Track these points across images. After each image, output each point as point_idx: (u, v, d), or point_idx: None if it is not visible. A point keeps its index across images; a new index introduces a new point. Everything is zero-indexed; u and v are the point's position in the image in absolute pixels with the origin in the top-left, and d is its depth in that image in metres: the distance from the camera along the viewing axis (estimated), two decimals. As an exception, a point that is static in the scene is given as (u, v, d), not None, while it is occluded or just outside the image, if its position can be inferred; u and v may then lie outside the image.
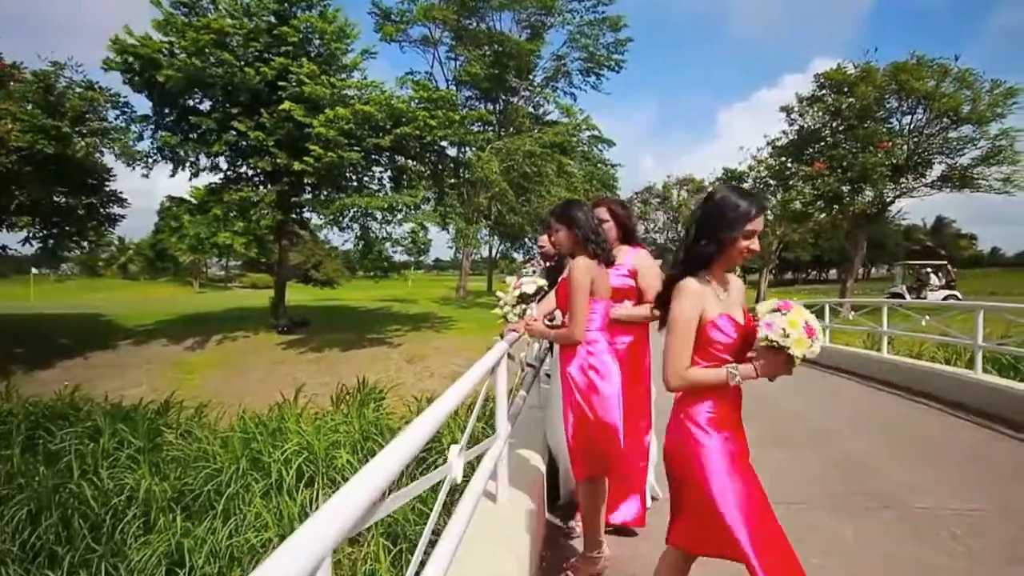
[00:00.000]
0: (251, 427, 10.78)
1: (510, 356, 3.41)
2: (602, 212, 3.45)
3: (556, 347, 3.73)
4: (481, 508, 2.64)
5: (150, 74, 15.69)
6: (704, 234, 2.01)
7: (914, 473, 4.58)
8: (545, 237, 4.98)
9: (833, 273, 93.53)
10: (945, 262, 27.68)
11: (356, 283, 53.68)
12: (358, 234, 17.87)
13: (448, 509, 2.14)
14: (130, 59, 15.99)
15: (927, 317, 8.12)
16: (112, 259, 75.54)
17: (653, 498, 3.76)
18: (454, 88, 28.29)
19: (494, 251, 40.03)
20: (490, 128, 30.92)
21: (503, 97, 31.30)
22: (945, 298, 24.82)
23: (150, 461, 10.17)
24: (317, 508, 1.06)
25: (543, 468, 3.58)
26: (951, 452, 5.18)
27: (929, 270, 26.48)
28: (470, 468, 2.29)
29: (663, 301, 2.08)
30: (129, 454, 10.32)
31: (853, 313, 10.33)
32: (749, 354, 2.02)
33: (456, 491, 2.20)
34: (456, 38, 29.80)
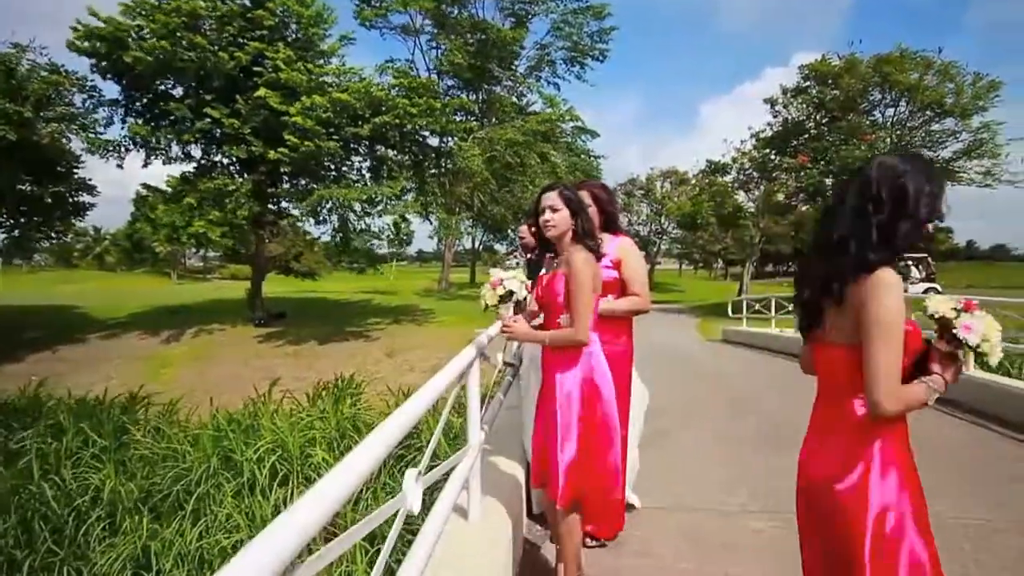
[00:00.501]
0: (223, 424, 10.43)
1: (484, 356, 3.17)
2: (584, 197, 3.11)
3: (530, 347, 3.46)
4: (452, 528, 2.38)
5: (116, 56, 15.09)
6: (903, 213, 1.59)
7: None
8: (525, 228, 4.74)
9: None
10: (925, 255, 27.80)
11: (338, 275, 52.94)
12: (336, 226, 17.44)
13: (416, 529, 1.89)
14: (96, 43, 15.38)
15: (915, 314, 7.95)
16: (88, 249, 74.17)
17: (630, 505, 3.54)
18: (435, 77, 27.83)
19: (477, 242, 39.72)
20: (473, 118, 30.51)
21: (486, 87, 30.85)
22: (925, 291, 24.98)
23: (116, 460, 9.80)
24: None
25: (522, 475, 3.33)
26: (946, 454, 4.97)
27: (909, 263, 26.62)
28: (444, 478, 2.05)
29: (831, 295, 1.63)
30: (94, 453, 9.93)
31: None
32: (933, 365, 1.64)
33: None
34: (438, 26, 29.28)
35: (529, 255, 4.71)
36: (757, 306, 13.75)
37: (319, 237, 19.17)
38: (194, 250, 63.75)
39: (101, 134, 16.92)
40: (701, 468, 4.61)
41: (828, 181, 19.86)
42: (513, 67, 31.13)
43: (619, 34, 31.17)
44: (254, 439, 9.85)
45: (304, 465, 9.47)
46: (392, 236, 19.02)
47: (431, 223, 18.53)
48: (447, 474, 2.14)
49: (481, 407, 2.96)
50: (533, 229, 4.22)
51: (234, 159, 17.39)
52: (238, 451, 9.53)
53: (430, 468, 1.69)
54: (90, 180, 18.73)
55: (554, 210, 2.66)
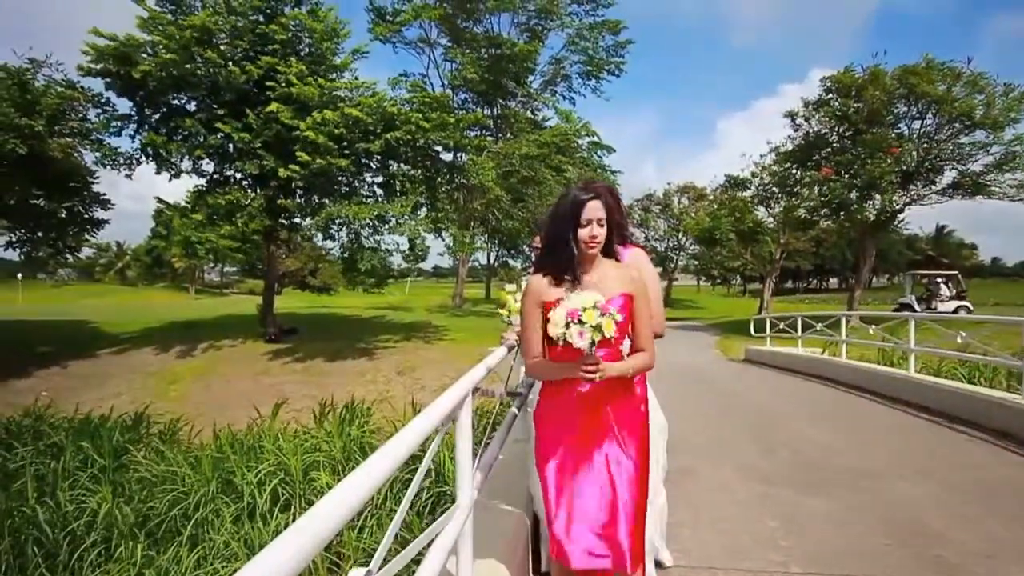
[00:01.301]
0: (225, 445, 10.09)
1: (483, 391, 2.78)
2: (597, 208, 2.68)
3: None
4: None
5: (125, 71, 15.03)
6: None
7: (986, 534, 3.63)
8: (539, 239, 4.34)
9: (834, 282, 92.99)
10: (955, 272, 26.92)
11: (354, 290, 53.08)
12: (344, 243, 17.17)
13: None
14: (108, 62, 15.39)
15: (963, 333, 7.35)
16: (110, 264, 75.19)
17: (658, 564, 3.06)
18: (449, 92, 27.69)
19: (492, 258, 39.41)
20: (487, 133, 30.32)
21: (500, 101, 30.69)
22: (956, 309, 24.10)
23: (115, 482, 9.51)
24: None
25: (526, 529, 2.89)
26: (1010, 496, 4.34)
27: (940, 280, 25.77)
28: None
29: None
30: (92, 474, 9.65)
31: (873, 327, 9.57)
32: None
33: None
34: (452, 40, 29.23)
35: None
36: (782, 325, 13.15)
37: (331, 252, 18.87)
38: (212, 265, 64.73)
39: (115, 148, 16.85)
40: (733, 515, 4.01)
41: (853, 196, 19.28)
42: (528, 82, 30.96)
43: (634, 51, 30.91)
44: (255, 462, 9.51)
45: (307, 490, 9.10)
46: (407, 252, 18.70)
47: (443, 239, 18.17)
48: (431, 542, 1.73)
49: (477, 451, 2.55)
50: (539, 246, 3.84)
51: (246, 174, 17.26)
52: (239, 474, 9.20)
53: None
54: (104, 195, 18.72)
55: (602, 224, 2.23)
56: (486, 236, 29.93)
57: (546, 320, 1.99)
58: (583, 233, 2.17)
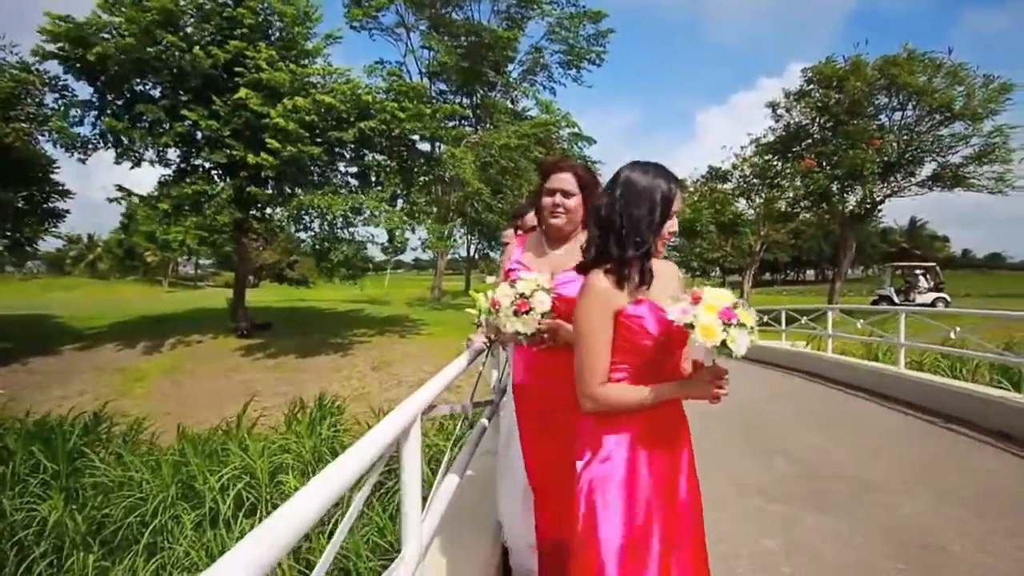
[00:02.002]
0: (188, 447, 9.60)
1: (446, 409, 2.41)
2: (566, 180, 2.25)
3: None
4: None
5: (82, 54, 14.31)
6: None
7: (1011, 557, 3.31)
8: (511, 232, 3.98)
9: (811, 274, 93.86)
10: (934, 264, 27.11)
11: (332, 283, 52.21)
12: (315, 235, 16.59)
13: None
14: (64, 44, 14.64)
15: (957, 328, 7.08)
16: (81, 257, 73.18)
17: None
18: (427, 81, 27.09)
19: (472, 250, 38.92)
20: (466, 123, 29.76)
21: (479, 91, 30.13)
22: (933, 301, 24.25)
23: (68, 488, 9.00)
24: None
25: (495, 563, 2.53)
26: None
27: (918, 272, 25.90)
28: None
29: None
30: (43, 480, 9.11)
31: (861, 321, 9.35)
32: None
33: None
34: (431, 26, 28.57)
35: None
36: (765, 318, 12.91)
37: (302, 244, 18.21)
38: (186, 258, 63.32)
39: (75, 133, 16.02)
40: (728, 533, 3.59)
41: (835, 187, 19.18)
42: (507, 71, 30.43)
43: (615, 43, 30.54)
44: (219, 465, 9.06)
45: (274, 494, 8.69)
46: (387, 244, 18.20)
47: (415, 232, 17.60)
48: None
49: (436, 476, 2.18)
50: (520, 232, 3.45)
51: (215, 164, 16.61)
52: (201, 478, 8.74)
53: None
54: (64, 185, 17.93)
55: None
56: (465, 229, 29.45)
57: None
58: (547, 203, 2.03)
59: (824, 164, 19.17)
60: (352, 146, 15.95)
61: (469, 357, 2.90)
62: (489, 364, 3.60)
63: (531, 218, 3.89)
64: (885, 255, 69.07)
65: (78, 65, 15.28)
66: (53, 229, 18.60)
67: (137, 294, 48.71)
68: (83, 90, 16.35)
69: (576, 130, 32.15)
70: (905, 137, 19.11)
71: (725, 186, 30.06)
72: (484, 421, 3.33)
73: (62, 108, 15.54)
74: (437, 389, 2.00)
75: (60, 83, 15.88)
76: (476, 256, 43.22)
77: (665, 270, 1.73)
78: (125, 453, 9.84)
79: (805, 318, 10.88)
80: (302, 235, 17.30)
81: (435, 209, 20.77)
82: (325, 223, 16.43)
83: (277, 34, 16.61)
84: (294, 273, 61.11)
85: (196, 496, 8.47)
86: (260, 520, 8.43)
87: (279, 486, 8.72)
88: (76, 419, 11.63)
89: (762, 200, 25.92)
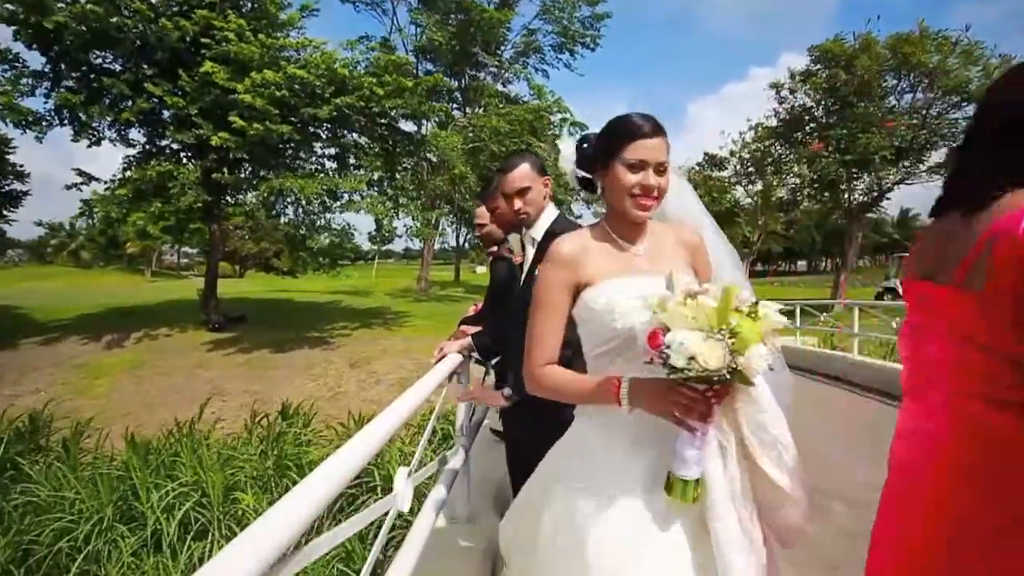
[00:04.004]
0: (133, 457, 8.51)
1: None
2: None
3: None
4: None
5: (36, 21, 13.03)
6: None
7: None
8: (483, 209, 3.08)
9: (802, 264, 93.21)
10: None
11: (319, 273, 50.90)
12: (289, 221, 15.41)
13: None
14: (14, 6, 13.34)
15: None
16: (62, 245, 71.46)
17: None
18: (413, 59, 25.79)
19: (462, 239, 37.84)
20: (455, 106, 28.51)
21: (469, 72, 28.87)
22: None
23: (-8, 507, 7.91)
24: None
25: None
26: None
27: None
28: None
29: None
30: (-36, 498, 8.02)
31: (898, 320, 8.28)
32: None
33: None
34: (419, 2, 27.19)
35: (495, 248, 3.12)
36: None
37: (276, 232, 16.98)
38: (170, 246, 61.73)
39: (28, 108, 14.70)
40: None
41: (842, 172, 18.18)
42: (498, 52, 29.18)
43: (608, 31, 29.28)
44: (165, 480, 8.00)
45: (227, 514, 7.64)
46: (374, 233, 17.10)
47: (399, 218, 16.44)
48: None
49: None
50: (496, 208, 2.71)
51: (182, 144, 15.40)
52: (143, 496, 7.68)
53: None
54: (21, 166, 16.63)
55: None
56: (453, 216, 28.33)
57: None
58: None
59: (832, 149, 18.15)
60: (328, 125, 14.78)
61: (436, 378, 2.04)
62: (456, 392, 2.58)
63: (481, 213, 3.12)
64: (877, 246, 68.52)
65: (31, 31, 14.01)
66: (8, 214, 17.27)
67: (118, 284, 47.19)
68: (35, 60, 15.00)
69: (568, 115, 31.03)
70: (915, 121, 18.11)
71: (722, 173, 29.09)
72: (450, 466, 2.30)
73: (11, 79, 14.22)
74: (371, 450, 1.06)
75: (11, 54, 14.55)
76: (466, 245, 42.16)
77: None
78: (63, 464, 8.75)
79: (825, 314, 9.85)
80: (275, 222, 16.06)
81: (421, 195, 19.61)
82: (300, 209, 15.26)
83: (249, 5, 15.39)
84: (280, 263, 59.73)
85: (139, 516, 7.46)
86: (212, 545, 7.39)
87: (234, 504, 7.69)
88: (11, 423, 10.45)
89: (761, 188, 24.95)
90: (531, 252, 2.29)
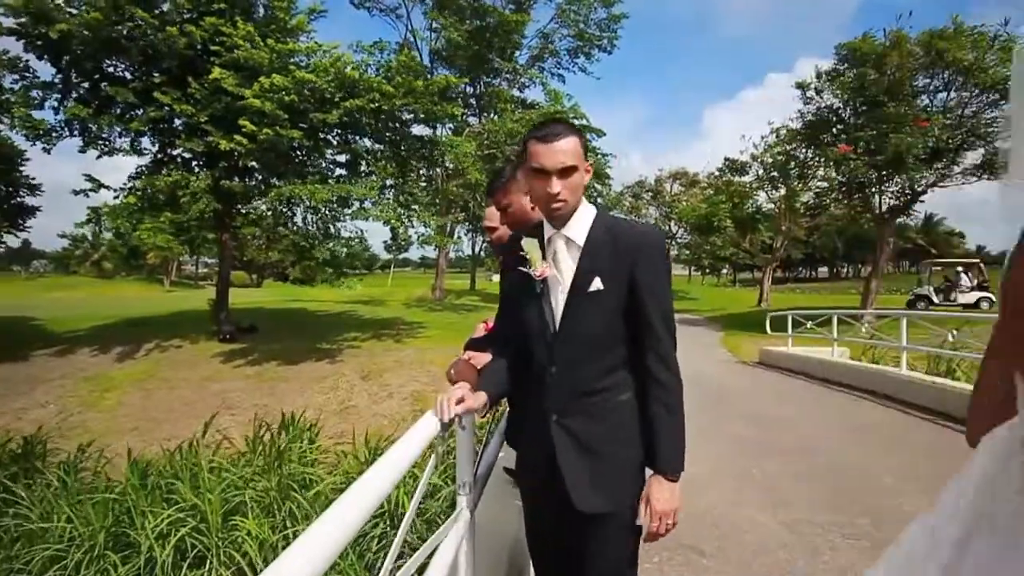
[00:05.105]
0: (130, 479, 8.10)
1: None
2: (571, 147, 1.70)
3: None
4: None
5: (43, 30, 12.86)
6: None
7: None
8: (493, 209, 2.49)
9: (823, 271, 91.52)
10: (977, 261, 25.32)
11: (326, 284, 50.77)
12: (297, 230, 14.99)
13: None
14: (22, 19, 13.19)
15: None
16: (86, 256, 72.44)
17: None
18: (427, 63, 25.48)
19: (477, 247, 37.43)
20: (470, 112, 28.13)
21: (484, 78, 28.51)
22: (978, 301, 22.54)
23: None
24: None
25: None
26: None
27: (960, 269, 24.18)
28: None
29: None
30: (-49, 524, 7.65)
31: (955, 333, 7.53)
32: None
33: None
34: (435, 5, 26.89)
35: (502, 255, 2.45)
36: (810, 324, 11.12)
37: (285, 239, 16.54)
38: (189, 256, 62.14)
39: (38, 119, 14.55)
40: None
41: (873, 175, 17.38)
42: (514, 57, 28.78)
43: (623, 37, 28.76)
44: (162, 504, 7.58)
45: (226, 540, 7.18)
46: (389, 242, 16.69)
47: (412, 227, 15.94)
48: None
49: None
50: (510, 204, 2.29)
51: (194, 153, 15.14)
52: (138, 522, 7.26)
53: None
54: (33, 179, 16.49)
55: (567, 173, 1.64)
56: (468, 223, 27.91)
57: None
58: (546, 191, 1.65)
59: (859, 151, 17.36)
60: (338, 130, 14.40)
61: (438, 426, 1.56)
62: (464, 440, 2.03)
63: (491, 214, 2.50)
64: (901, 252, 67.03)
65: (39, 43, 13.88)
66: (21, 227, 17.14)
67: (136, 294, 47.52)
68: (45, 71, 14.85)
69: (585, 122, 30.54)
70: (949, 121, 17.28)
71: (743, 179, 28.36)
72: (448, 544, 1.77)
73: (21, 92, 14.06)
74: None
75: (21, 63, 14.41)
76: (482, 254, 41.72)
77: None
78: (59, 487, 8.37)
79: (867, 325, 9.13)
80: (282, 230, 15.68)
81: (435, 201, 19.16)
82: (309, 217, 14.87)
83: (261, 12, 15.13)
84: (297, 272, 59.79)
85: (131, 543, 7.04)
86: (209, 572, 6.91)
87: (234, 530, 7.23)
88: (8, 442, 10.12)
89: (785, 192, 24.18)
90: (567, 259, 1.73)
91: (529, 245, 1.75)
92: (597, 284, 1.67)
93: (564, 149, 1.64)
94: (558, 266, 1.72)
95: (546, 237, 1.75)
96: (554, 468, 1.73)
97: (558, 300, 1.71)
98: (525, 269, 1.74)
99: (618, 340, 1.71)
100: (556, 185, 1.63)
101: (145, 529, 6.99)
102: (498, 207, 2.33)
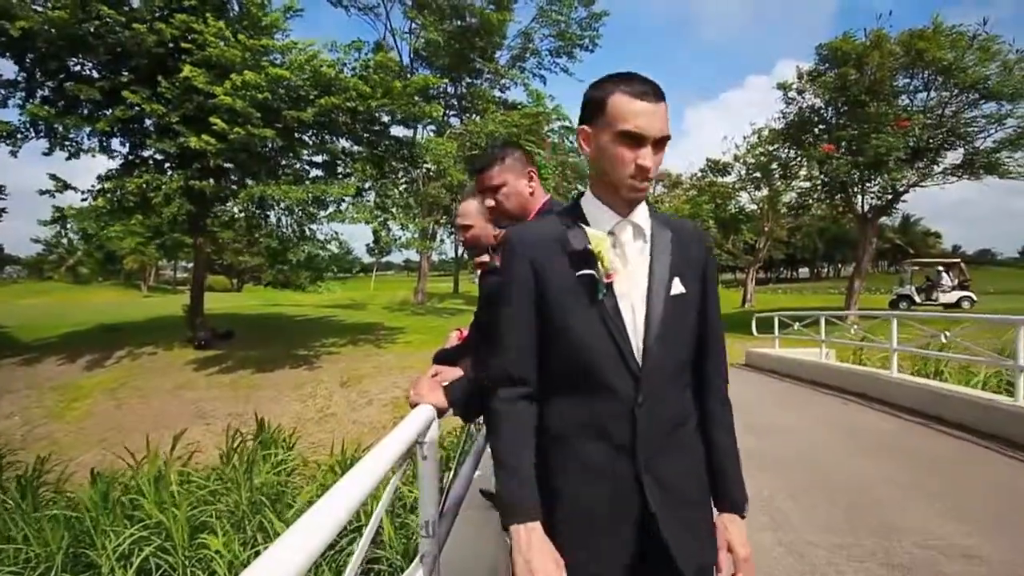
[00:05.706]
0: (91, 494, 7.70)
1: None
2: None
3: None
4: None
5: (5, 26, 12.36)
6: None
7: None
8: (472, 204, 2.35)
9: (804, 271, 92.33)
10: (958, 260, 25.54)
11: (298, 289, 50.04)
12: (270, 232, 14.58)
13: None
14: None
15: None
16: (60, 261, 70.96)
17: None
18: (406, 63, 25.15)
19: (460, 250, 37.03)
20: (451, 113, 27.83)
21: (466, 79, 28.22)
22: (959, 300, 22.71)
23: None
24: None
25: None
26: None
27: (940, 268, 24.37)
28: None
29: None
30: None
31: (948, 333, 7.34)
32: None
33: None
34: (414, 5, 26.56)
35: (485, 257, 2.34)
36: (797, 325, 10.95)
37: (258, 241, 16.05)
38: (166, 261, 61.06)
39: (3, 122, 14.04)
40: None
41: (855, 175, 17.38)
42: (495, 58, 28.53)
43: (605, 39, 28.66)
44: (124, 521, 7.19)
45: (192, 560, 6.81)
46: (372, 245, 16.36)
47: (390, 230, 15.55)
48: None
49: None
50: (503, 185, 2.04)
51: (165, 153, 14.68)
52: (99, 541, 6.88)
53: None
54: (-4, 182, 15.88)
55: (662, 145, 1.29)
56: (450, 226, 27.59)
57: None
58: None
59: (842, 150, 17.38)
60: (314, 130, 14.02)
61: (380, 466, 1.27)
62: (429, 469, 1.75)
63: (466, 210, 2.36)
64: (879, 251, 67.89)
65: (2, 40, 13.36)
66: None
67: (112, 299, 46.54)
68: (8, 68, 14.31)
69: (568, 123, 30.40)
70: (930, 120, 17.33)
71: (726, 179, 28.38)
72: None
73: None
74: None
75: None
76: (464, 256, 41.38)
77: None
78: (15, 505, 7.93)
79: (855, 327, 8.98)
80: (256, 232, 15.24)
81: (416, 203, 18.82)
82: (283, 219, 14.47)
83: (236, 8, 14.72)
84: (271, 276, 58.98)
85: (90, 565, 6.66)
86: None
87: (202, 548, 6.86)
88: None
89: (768, 193, 24.18)
90: (636, 256, 1.40)
91: (596, 238, 1.30)
92: (679, 287, 1.34)
93: (666, 116, 1.31)
94: (627, 266, 1.34)
95: (610, 226, 1.34)
96: (642, 531, 1.31)
97: (636, 309, 1.32)
98: (590, 270, 1.31)
99: (692, 354, 1.40)
100: (650, 158, 1.28)
101: (106, 549, 6.60)
102: (485, 189, 2.01)
